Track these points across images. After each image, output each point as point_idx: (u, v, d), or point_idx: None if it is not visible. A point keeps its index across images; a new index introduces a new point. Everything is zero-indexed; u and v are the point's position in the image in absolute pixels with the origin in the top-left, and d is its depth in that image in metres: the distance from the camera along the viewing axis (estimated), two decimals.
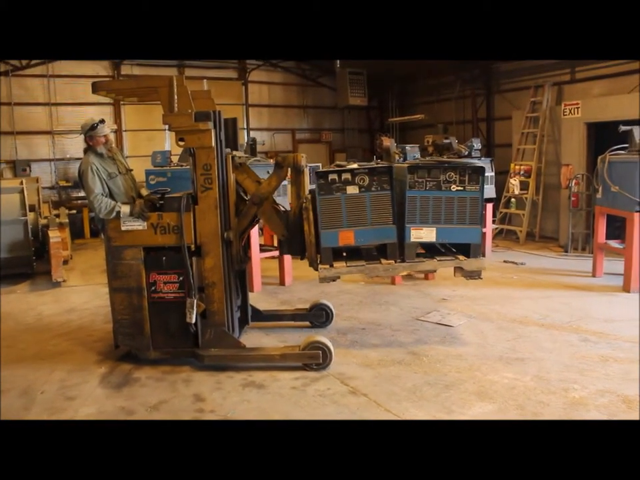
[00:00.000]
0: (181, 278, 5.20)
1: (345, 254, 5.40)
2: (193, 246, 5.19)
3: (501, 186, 12.04)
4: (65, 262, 9.68)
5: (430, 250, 5.37)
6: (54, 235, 8.97)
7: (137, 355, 5.43)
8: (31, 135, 13.85)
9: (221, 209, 5.17)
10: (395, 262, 5.10)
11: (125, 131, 14.96)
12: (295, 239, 5.35)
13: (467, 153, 10.26)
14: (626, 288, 7.50)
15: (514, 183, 12.14)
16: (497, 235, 12.31)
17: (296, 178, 5.32)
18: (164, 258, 5.20)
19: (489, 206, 10.24)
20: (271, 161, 7.32)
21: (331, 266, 5.08)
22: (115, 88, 5.88)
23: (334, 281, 5.18)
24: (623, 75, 10.82)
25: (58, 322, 6.92)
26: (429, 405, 4.40)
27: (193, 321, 5.15)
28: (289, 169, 5.31)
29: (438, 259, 5.18)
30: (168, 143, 14.91)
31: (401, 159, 8.63)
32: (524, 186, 12.07)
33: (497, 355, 5.37)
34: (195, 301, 5.14)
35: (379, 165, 5.41)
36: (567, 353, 5.37)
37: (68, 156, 14.13)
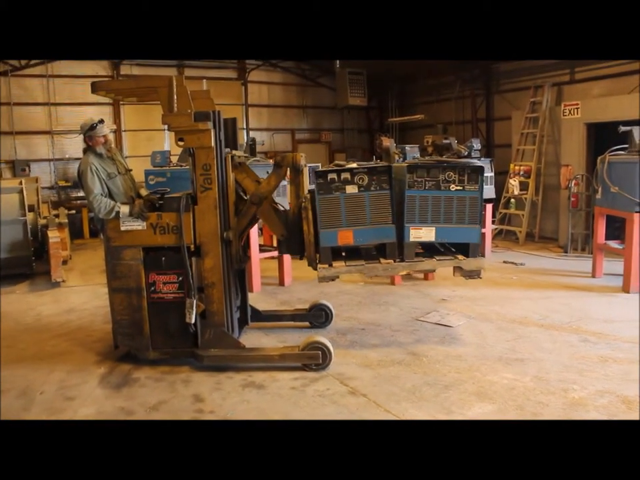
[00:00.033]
0: (180, 278, 5.20)
1: (344, 254, 5.39)
2: (192, 246, 5.19)
3: (500, 186, 12.04)
4: (64, 262, 9.67)
5: (429, 249, 5.36)
6: (53, 235, 8.96)
7: (136, 355, 5.43)
8: (30, 134, 13.85)
9: (220, 209, 5.17)
10: (394, 261, 5.10)
11: (125, 131, 14.96)
12: (294, 239, 5.34)
13: (466, 153, 10.26)
14: (625, 288, 7.50)
15: (513, 184, 12.14)
16: (497, 235, 12.31)
17: (295, 177, 5.32)
18: (163, 258, 5.19)
19: (489, 206, 10.23)
20: (271, 161, 7.32)
21: (330, 265, 5.08)
22: (115, 88, 5.88)
23: (333, 280, 5.18)
24: (623, 75, 10.83)
25: (57, 322, 6.92)
26: (428, 405, 4.40)
27: (193, 321, 5.14)
28: (288, 169, 5.30)
29: (437, 258, 5.18)
30: (167, 143, 14.91)
31: (401, 159, 8.61)
32: (523, 186, 12.07)
33: (496, 356, 5.37)
34: (195, 301, 5.13)
35: (378, 165, 5.41)
36: (567, 354, 5.37)
37: (67, 156, 14.13)
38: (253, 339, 6.02)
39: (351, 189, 5.05)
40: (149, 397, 4.72)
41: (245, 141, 10.84)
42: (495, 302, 7.17)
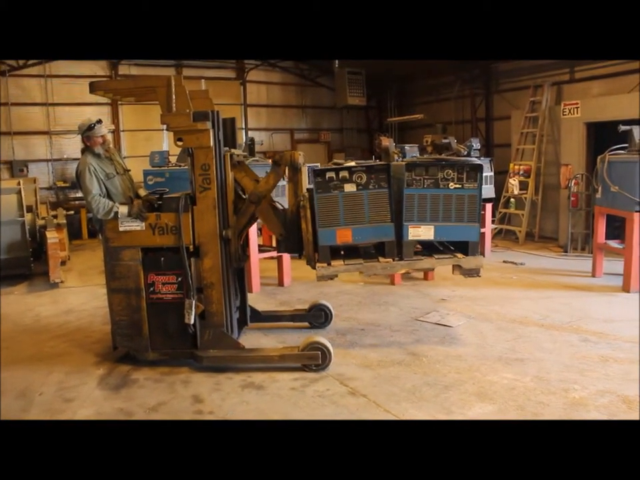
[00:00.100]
0: (179, 279, 5.18)
1: (342, 252, 5.38)
2: (191, 246, 5.17)
3: (500, 186, 12.03)
4: (63, 263, 9.65)
5: (428, 248, 5.36)
6: (51, 236, 8.94)
7: (135, 356, 5.41)
8: (28, 135, 13.82)
9: (219, 209, 5.15)
10: (393, 260, 5.09)
11: (123, 131, 14.94)
12: (292, 237, 5.33)
13: (466, 152, 10.25)
14: (626, 288, 7.49)
15: (513, 183, 12.13)
16: (496, 235, 12.30)
17: (293, 176, 5.30)
18: (162, 258, 5.18)
19: (488, 206, 10.23)
20: (270, 161, 7.32)
21: (329, 264, 5.07)
22: (113, 88, 5.86)
23: (331, 279, 5.16)
24: (622, 74, 10.83)
25: (56, 323, 6.90)
26: (428, 405, 4.39)
27: (192, 321, 5.13)
28: (287, 167, 5.29)
29: (436, 257, 5.17)
30: (166, 143, 14.90)
31: (400, 158, 8.60)
32: (523, 186, 12.06)
33: (496, 356, 5.36)
34: (194, 301, 5.12)
35: (377, 163, 5.40)
36: (567, 353, 5.36)
37: (65, 156, 14.12)
38: (253, 339, 6.01)
39: (350, 188, 5.04)
40: (148, 397, 4.71)
41: (244, 140, 10.83)
42: (495, 302, 7.16)
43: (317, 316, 6.32)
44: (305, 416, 4.28)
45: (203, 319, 5.24)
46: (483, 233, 10.01)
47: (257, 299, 7.41)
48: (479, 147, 10.80)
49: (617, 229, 9.09)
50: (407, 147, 10.69)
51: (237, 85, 16.48)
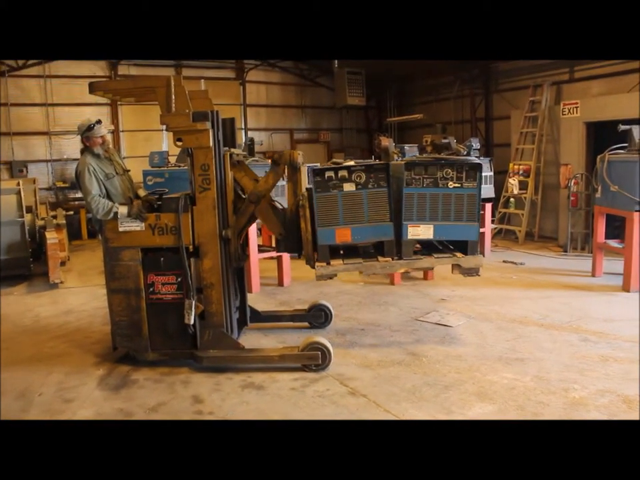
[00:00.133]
0: (179, 279, 5.18)
1: (342, 252, 5.38)
2: (191, 247, 5.17)
3: (499, 186, 12.02)
4: (63, 263, 9.64)
5: (427, 247, 5.36)
6: (51, 236, 8.94)
7: (135, 357, 5.41)
8: (27, 135, 13.81)
9: (219, 209, 5.15)
10: (392, 259, 5.09)
11: (122, 131, 14.93)
12: (292, 237, 5.33)
13: (465, 152, 10.25)
14: (625, 287, 7.49)
15: (513, 183, 12.12)
16: (496, 234, 12.30)
17: (292, 175, 5.29)
18: (162, 259, 5.18)
19: (488, 206, 10.23)
20: (269, 161, 7.32)
21: (328, 263, 5.07)
22: (112, 88, 5.85)
23: (331, 278, 5.16)
24: (622, 74, 10.82)
25: (55, 324, 6.90)
26: (428, 405, 4.39)
27: (192, 322, 5.13)
28: (286, 166, 5.28)
29: (435, 256, 5.17)
30: (165, 143, 14.89)
31: (400, 158, 8.60)
32: (523, 186, 12.06)
33: (496, 355, 5.36)
34: (194, 302, 5.12)
35: (376, 162, 5.39)
36: (567, 353, 5.35)
37: (65, 157, 14.11)
38: (252, 339, 6.01)
39: (349, 187, 5.04)
40: (148, 398, 4.71)
41: (244, 140, 10.83)
42: (495, 301, 7.16)
43: (317, 316, 6.32)
44: (305, 416, 4.28)
45: (202, 319, 5.24)
46: (483, 233, 10.01)
47: (257, 299, 7.40)
48: (479, 147, 10.80)
49: (617, 228, 9.09)
50: (406, 146, 10.70)
51: (236, 85, 16.48)
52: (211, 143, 5.06)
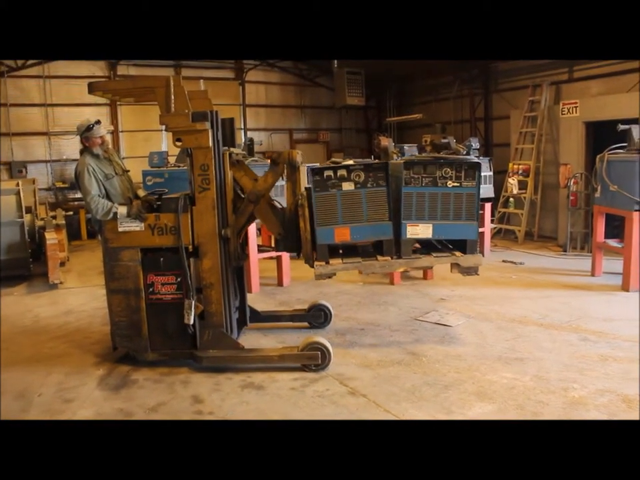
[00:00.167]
0: (178, 279, 5.18)
1: (341, 251, 5.38)
2: (190, 247, 5.17)
3: (499, 185, 12.02)
4: (62, 264, 9.63)
5: (426, 246, 5.36)
6: (51, 237, 8.94)
7: (134, 357, 5.41)
8: (27, 136, 13.81)
9: (218, 209, 5.16)
10: (391, 258, 5.09)
11: (122, 131, 14.93)
12: (291, 236, 5.33)
13: (465, 152, 10.23)
14: (625, 287, 7.49)
15: (512, 183, 12.13)
16: (496, 234, 12.30)
17: (291, 174, 5.29)
18: (161, 259, 5.18)
19: (488, 205, 10.23)
20: (269, 161, 7.32)
21: (327, 263, 5.07)
22: (112, 88, 5.85)
23: (330, 277, 5.16)
24: (621, 74, 10.83)
25: (55, 324, 6.89)
26: (428, 405, 4.39)
27: (191, 322, 5.13)
28: (285, 166, 5.28)
29: (434, 255, 5.18)
30: (165, 143, 14.89)
31: (399, 158, 8.61)
32: (522, 185, 12.07)
33: (496, 355, 5.36)
34: (193, 302, 5.12)
35: (375, 161, 5.39)
36: (567, 353, 5.36)
37: (64, 157, 14.11)
38: (252, 339, 6.01)
39: (348, 186, 5.04)
40: (147, 398, 4.71)
41: (243, 141, 10.82)
42: (494, 301, 7.16)
43: (317, 316, 6.32)
44: (304, 416, 4.28)
45: (202, 319, 5.24)
46: (482, 233, 10.01)
47: (257, 299, 7.40)
48: (478, 147, 10.80)
49: (616, 228, 9.09)
50: (406, 146, 10.70)
51: (235, 85, 16.48)
52: (210, 143, 5.06)
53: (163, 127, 5.31)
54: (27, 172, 13.44)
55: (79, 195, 11.86)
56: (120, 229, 5.14)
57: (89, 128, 5.36)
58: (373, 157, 10.88)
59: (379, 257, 5.11)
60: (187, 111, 5.00)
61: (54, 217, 9.89)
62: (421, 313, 6.74)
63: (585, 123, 10.60)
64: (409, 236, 5.06)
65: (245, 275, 6.37)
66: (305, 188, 5.31)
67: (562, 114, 11.05)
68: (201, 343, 5.24)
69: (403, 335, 6.04)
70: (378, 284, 8.26)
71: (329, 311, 6.33)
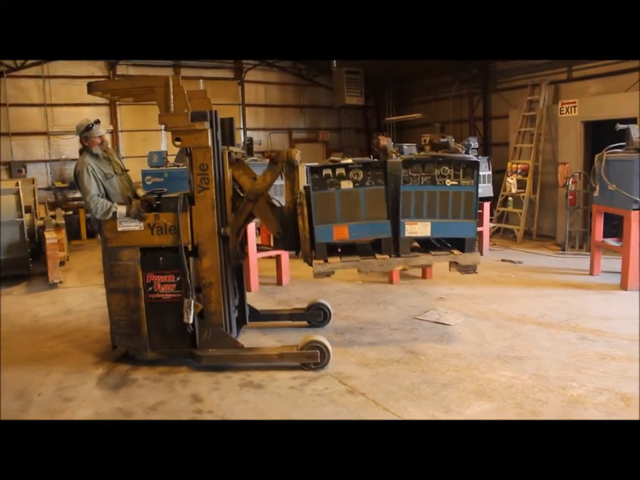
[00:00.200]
0: (178, 278, 5.19)
1: (339, 250, 5.39)
2: (189, 246, 5.18)
3: (498, 185, 12.04)
4: (62, 263, 9.63)
5: (425, 245, 5.37)
6: (50, 236, 8.94)
7: (134, 356, 5.42)
8: (26, 135, 13.79)
9: (217, 208, 5.17)
10: (390, 257, 5.10)
11: (121, 131, 14.92)
12: (289, 234, 5.34)
13: (464, 151, 10.22)
14: (623, 286, 7.50)
15: (511, 182, 12.14)
16: (495, 233, 12.31)
17: (290, 173, 5.30)
18: (161, 258, 5.19)
19: (486, 204, 10.24)
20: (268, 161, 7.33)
21: (325, 261, 5.08)
22: (111, 88, 5.85)
23: (328, 276, 5.17)
24: (620, 73, 10.84)
25: (54, 323, 6.90)
26: (427, 403, 4.40)
27: (191, 321, 5.14)
28: (283, 165, 5.29)
29: (433, 253, 5.19)
30: (164, 143, 14.89)
31: (398, 157, 8.62)
32: (521, 184, 12.08)
33: (494, 354, 5.37)
34: (192, 301, 5.13)
35: (373, 160, 5.40)
36: (565, 351, 5.37)
37: (64, 157, 14.09)
38: (251, 338, 6.02)
39: (346, 185, 5.05)
40: (147, 397, 4.72)
41: (242, 140, 10.83)
42: (493, 300, 7.17)
43: (316, 315, 6.33)
44: (304, 415, 4.29)
45: (201, 319, 5.25)
46: (481, 232, 10.03)
47: (256, 298, 7.41)
48: (477, 146, 10.81)
49: (615, 227, 9.10)
50: (405, 146, 10.72)
51: (234, 84, 16.48)
52: (210, 143, 5.07)
53: (162, 127, 5.32)
54: (26, 172, 13.44)
55: (78, 195, 11.88)
56: (119, 229, 5.14)
57: (88, 128, 5.37)
58: (372, 156, 10.89)
59: (378, 256, 5.12)
60: (186, 111, 5.01)
61: (53, 217, 9.90)
62: (420, 312, 6.75)
63: (583, 123, 10.61)
64: (407, 234, 5.07)
65: (244, 274, 6.38)
66: (304, 187, 5.32)
67: (560, 113, 11.06)
68: (200, 342, 5.25)
69: (402, 333, 6.05)
70: (377, 283, 8.27)
71: (328, 309, 6.34)
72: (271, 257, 8.74)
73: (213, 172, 5.10)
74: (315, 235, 5.07)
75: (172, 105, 5.00)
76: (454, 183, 5.04)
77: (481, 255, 9.64)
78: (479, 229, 9.61)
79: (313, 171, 5.06)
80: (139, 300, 5.22)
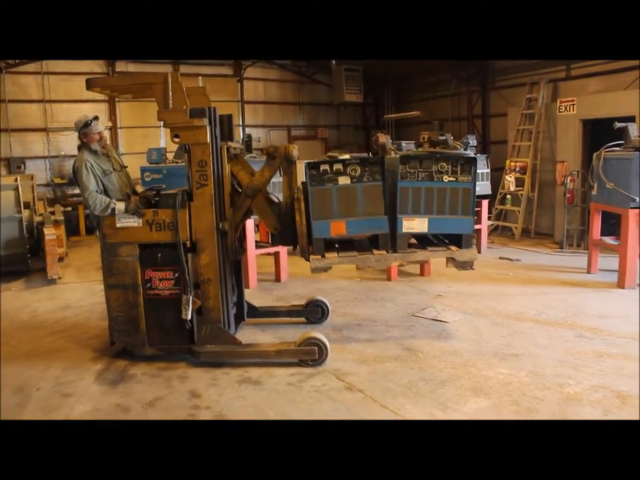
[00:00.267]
0: (176, 274, 5.20)
1: (337, 245, 5.40)
2: (188, 242, 5.19)
3: (496, 182, 12.06)
4: (60, 259, 9.65)
5: (422, 241, 5.38)
6: (49, 232, 8.94)
7: (132, 352, 5.44)
8: (25, 132, 13.77)
9: (216, 205, 5.18)
10: (387, 252, 5.11)
11: (120, 128, 14.90)
12: (287, 230, 5.35)
13: (462, 149, 10.24)
14: (620, 284, 7.52)
15: (509, 180, 12.15)
16: (493, 231, 12.32)
17: (287, 168, 5.31)
18: (159, 254, 5.20)
19: (485, 202, 10.25)
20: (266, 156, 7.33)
21: (323, 256, 5.09)
22: (110, 85, 5.87)
23: (325, 271, 5.18)
24: (618, 72, 10.85)
25: (53, 319, 6.91)
26: (424, 400, 4.42)
27: (189, 317, 5.15)
28: (281, 160, 5.30)
29: (430, 249, 5.20)
30: (163, 139, 14.87)
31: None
32: (519, 183, 12.09)
33: (492, 351, 5.39)
34: (191, 297, 5.14)
35: (371, 156, 5.40)
36: (562, 349, 5.39)
37: (63, 153, 14.07)
38: (249, 335, 6.03)
39: (344, 180, 5.06)
40: (145, 393, 4.73)
41: (241, 137, 10.81)
42: (491, 298, 7.19)
43: (314, 311, 6.35)
44: (301, 411, 4.31)
45: (200, 315, 5.27)
46: (480, 230, 10.05)
47: (254, 295, 7.43)
48: (476, 144, 10.81)
49: (613, 225, 9.12)
50: (403, 143, 10.69)
51: (234, 81, 16.46)
52: (208, 139, 5.08)
53: (161, 123, 5.32)
54: (25, 168, 13.42)
55: (77, 191, 11.81)
56: (118, 225, 5.15)
57: (87, 124, 5.38)
58: (370, 153, 10.90)
59: (375, 251, 5.13)
60: (185, 107, 5.02)
61: (52, 213, 9.90)
62: (418, 309, 6.76)
63: (582, 121, 10.62)
64: (404, 230, 5.08)
65: (243, 270, 6.39)
66: (302, 182, 5.32)
67: (559, 111, 11.07)
68: (198, 338, 5.26)
69: (400, 330, 6.06)
70: (375, 280, 8.29)
71: (326, 306, 6.36)
72: (269, 254, 8.76)
73: (212, 168, 5.11)
74: (312, 230, 5.08)
75: (171, 102, 5.01)
76: (451, 179, 5.05)
77: (479, 252, 9.71)
78: (477, 226, 9.62)
79: (310, 166, 5.07)
80: (137, 296, 5.23)
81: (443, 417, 4.13)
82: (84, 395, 4.74)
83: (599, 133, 9.87)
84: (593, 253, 8.40)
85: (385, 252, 5.10)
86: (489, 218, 11.40)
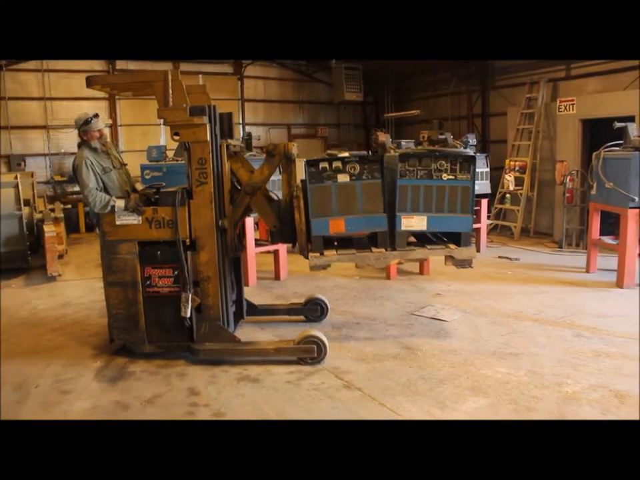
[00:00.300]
0: (175, 272, 5.21)
1: (336, 243, 5.41)
2: (187, 240, 5.20)
3: (495, 182, 12.06)
4: (60, 256, 9.67)
5: (421, 239, 5.38)
6: (49, 230, 8.96)
7: (131, 349, 5.44)
8: (25, 129, 13.78)
9: (215, 202, 5.18)
10: (386, 250, 5.11)
11: (120, 125, 14.90)
12: (286, 227, 5.36)
13: (462, 148, 10.24)
14: (619, 284, 7.53)
15: (509, 179, 12.16)
16: (492, 230, 12.33)
17: (287, 166, 5.32)
18: (159, 252, 5.20)
19: (484, 201, 10.26)
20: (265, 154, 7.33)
21: (322, 254, 5.10)
22: (110, 82, 5.88)
23: (324, 268, 5.18)
24: (618, 71, 10.86)
25: (53, 316, 6.92)
26: (423, 399, 4.42)
27: (188, 315, 5.15)
28: (280, 158, 5.30)
29: (428, 247, 5.20)
30: (163, 137, 14.89)
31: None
32: (519, 182, 12.10)
33: (490, 350, 5.40)
34: (190, 295, 5.14)
35: (370, 154, 5.40)
36: (561, 348, 5.40)
37: (63, 150, 14.07)
38: (249, 332, 6.04)
39: (343, 178, 5.06)
40: (144, 390, 4.74)
41: (241, 135, 10.81)
42: (490, 296, 7.20)
43: (313, 310, 6.36)
44: (300, 409, 4.32)
45: (199, 312, 5.28)
46: (479, 229, 10.06)
47: (253, 293, 7.44)
48: (475, 143, 10.81)
49: (612, 225, 9.12)
50: (403, 142, 10.68)
51: (234, 80, 16.46)
52: (208, 137, 5.08)
53: (161, 121, 5.32)
54: (25, 165, 13.43)
55: (77, 189, 11.83)
56: (118, 222, 5.16)
57: (87, 121, 5.38)
58: (370, 152, 10.90)
59: (374, 249, 5.13)
60: (184, 105, 5.02)
61: (52, 210, 9.92)
62: (417, 308, 6.77)
63: (581, 121, 10.63)
64: (403, 228, 5.08)
65: (242, 268, 6.40)
66: (301, 180, 5.33)
67: (559, 111, 11.07)
68: (197, 336, 5.27)
69: (399, 329, 6.07)
70: (374, 278, 8.30)
71: (325, 304, 6.37)
72: (269, 252, 8.76)
73: (211, 166, 5.11)
74: (311, 228, 5.08)
75: (171, 100, 5.01)
76: (450, 177, 5.05)
77: (479, 251, 9.73)
78: (477, 225, 9.63)
79: (309, 163, 5.07)
80: (136, 293, 5.24)
81: (441, 416, 4.14)
82: (83, 391, 4.75)
83: (599, 132, 9.87)
84: (591, 253, 8.42)
85: (383, 250, 5.10)
86: (489, 217, 11.41)
